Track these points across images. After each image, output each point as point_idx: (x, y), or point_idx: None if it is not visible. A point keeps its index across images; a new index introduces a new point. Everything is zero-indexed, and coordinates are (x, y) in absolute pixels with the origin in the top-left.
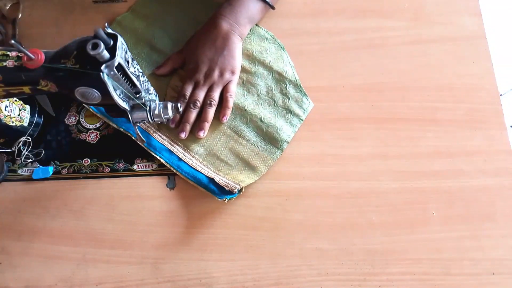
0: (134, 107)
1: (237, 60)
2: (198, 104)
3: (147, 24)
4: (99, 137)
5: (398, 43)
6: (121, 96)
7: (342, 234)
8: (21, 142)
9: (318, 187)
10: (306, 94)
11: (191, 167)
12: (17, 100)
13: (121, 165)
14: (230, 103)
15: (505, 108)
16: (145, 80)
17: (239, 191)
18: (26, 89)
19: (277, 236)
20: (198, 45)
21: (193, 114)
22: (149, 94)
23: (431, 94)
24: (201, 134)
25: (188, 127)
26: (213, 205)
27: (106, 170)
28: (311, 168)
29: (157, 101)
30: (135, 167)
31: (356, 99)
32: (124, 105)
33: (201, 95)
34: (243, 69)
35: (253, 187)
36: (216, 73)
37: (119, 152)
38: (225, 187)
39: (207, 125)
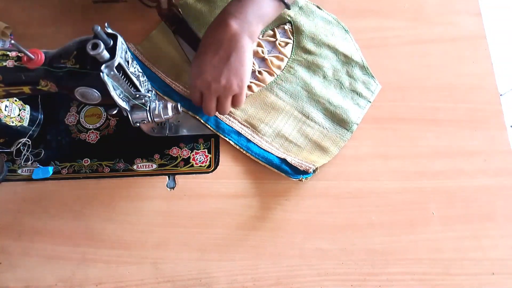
0: (134, 107)
1: (246, 67)
2: (213, 114)
3: (210, 7)
4: (99, 137)
5: (398, 43)
6: (121, 96)
7: (342, 234)
8: (21, 144)
9: (318, 187)
10: (373, 76)
11: (261, 148)
12: (17, 100)
13: (121, 165)
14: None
15: (505, 108)
16: (145, 80)
17: (314, 171)
18: (26, 89)
19: (277, 236)
20: (204, 49)
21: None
22: (149, 94)
23: (431, 94)
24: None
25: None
26: (213, 205)
27: (106, 170)
28: None
29: (157, 101)
30: (135, 167)
31: None
32: (124, 105)
33: (212, 106)
34: (308, 51)
35: (253, 187)
36: (221, 85)
37: (119, 152)
38: (299, 167)
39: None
